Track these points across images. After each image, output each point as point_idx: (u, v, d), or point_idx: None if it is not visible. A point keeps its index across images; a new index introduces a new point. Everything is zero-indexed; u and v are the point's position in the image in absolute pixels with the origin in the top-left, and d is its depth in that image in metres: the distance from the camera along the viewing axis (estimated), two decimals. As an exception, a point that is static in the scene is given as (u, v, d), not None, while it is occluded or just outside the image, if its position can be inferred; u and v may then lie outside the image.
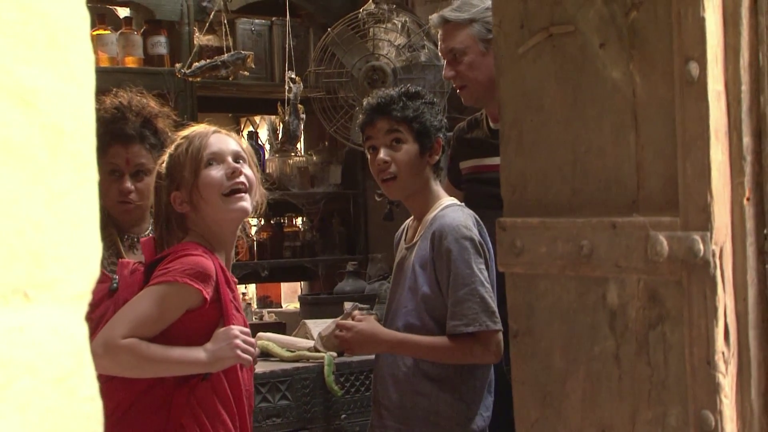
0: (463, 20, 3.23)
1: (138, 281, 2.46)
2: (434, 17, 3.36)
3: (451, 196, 3.13)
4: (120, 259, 2.64)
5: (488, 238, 2.82)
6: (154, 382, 2.37)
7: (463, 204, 2.94)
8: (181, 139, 2.50)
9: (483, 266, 2.76)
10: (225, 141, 2.50)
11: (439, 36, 3.41)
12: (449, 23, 3.27)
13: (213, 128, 2.54)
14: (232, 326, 2.37)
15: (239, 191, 2.44)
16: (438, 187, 2.94)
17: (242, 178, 2.45)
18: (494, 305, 2.74)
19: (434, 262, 2.78)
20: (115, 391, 2.33)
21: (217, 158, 2.46)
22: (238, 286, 2.60)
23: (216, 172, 2.44)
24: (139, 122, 2.79)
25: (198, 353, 2.33)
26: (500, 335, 2.74)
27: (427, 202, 2.90)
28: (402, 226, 3.05)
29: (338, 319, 2.98)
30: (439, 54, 3.49)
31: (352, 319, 2.89)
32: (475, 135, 3.36)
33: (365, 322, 2.85)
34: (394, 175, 2.86)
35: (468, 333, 2.71)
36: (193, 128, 2.55)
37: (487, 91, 3.15)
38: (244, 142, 2.61)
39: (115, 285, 2.53)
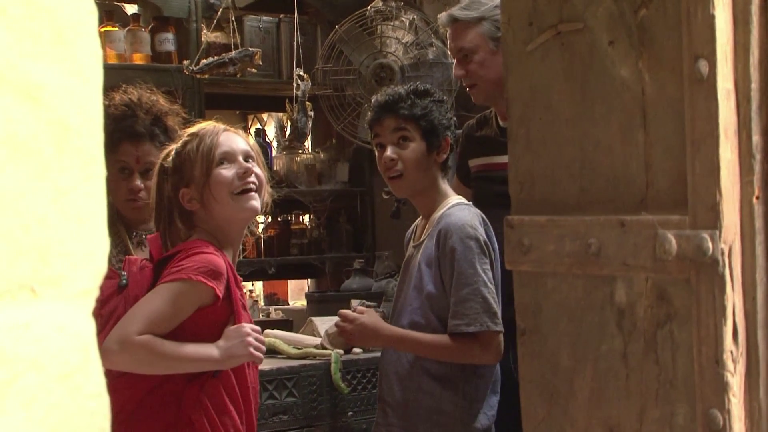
0: (472, 19, 3.22)
1: (147, 277, 2.46)
2: (443, 16, 3.35)
3: (460, 193, 3.13)
4: (127, 256, 2.64)
5: (494, 238, 2.81)
6: (163, 378, 2.37)
7: (470, 203, 2.94)
8: (189, 136, 2.50)
9: (487, 266, 2.75)
10: (235, 140, 2.50)
11: (448, 35, 3.39)
12: (458, 22, 3.25)
13: (222, 126, 2.53)
14: (244, 324, 2.38)
15: (250, 191, 2.44)
16: (445, 186, 2.93)
17: (253, 178, 2.45)
18: (496, 306, 2.73)
19: (439, 261, 2.78)
20: (125, 388, 2.33)
21: (229, 157, 2.46)
22: (244, 284, 2.60)
23: (227, 172, 2.44)
24: (149, 120, 2.78)
25: (211, 350, 2.33)
26: (501, 336, 2.74)
27: (434, 200, 2.90)
28: (412, 225, 3.05)
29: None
30: (449, 53, 3.47)
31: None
32: (484, 133, 3.35)
33: (368, 315, 2.86)
34: (401, 172, 2.87)
35: (468, 333, 2.71)
36: (201, 125, 2.54)
37: (497, 89, 3.14)
38: (252, 140, 2.61)
39: (124, 281, 2.53)
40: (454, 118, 2.98)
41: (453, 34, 3.29)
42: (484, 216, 2.86)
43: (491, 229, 2.83)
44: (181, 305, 2.32)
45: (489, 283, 2.73)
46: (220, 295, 2.33)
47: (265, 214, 2.69)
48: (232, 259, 2.48)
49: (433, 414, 2.79)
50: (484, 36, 3.19)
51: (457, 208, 2.85)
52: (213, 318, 2.37)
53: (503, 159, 3.13)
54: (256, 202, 2.46)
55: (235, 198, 2.43)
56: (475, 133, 3.39)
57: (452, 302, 2.73)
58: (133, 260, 2.56)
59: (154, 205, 2.50)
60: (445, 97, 3.05)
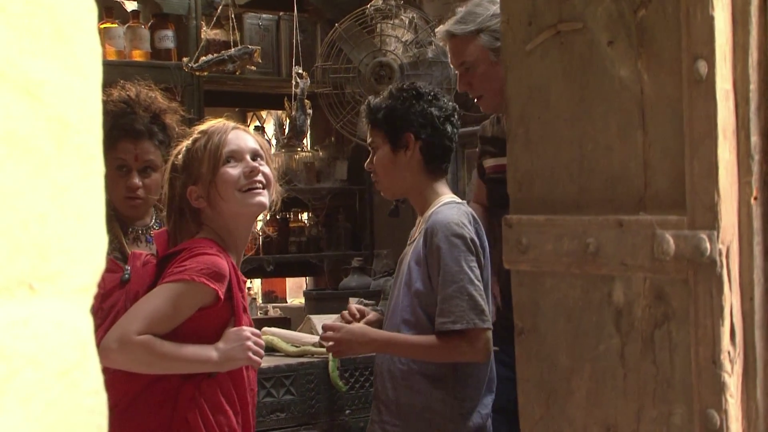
0: (470, 32, 3.18)
1: (150, 273, 2.45)
2: (440, 31, 3.31)
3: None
4: (132, 251, 2.63)
5: (485, 236, 2.81)
6: (159, 375, 2.37)
7: (463, 201, 2.92)
8: (199, 133, 2.49)
9: (474, 264, 2.74)
10: (244, 138, 2.49)
11: (447, 49, 3.37)
12: (456, 37, 3.21)
13: (232, 124, 2.53)
14: (244, 327, 2.37)
15: (256, 189, 2.44)
16: (438, 184, 2.90)
17: (260, 177, 2.44)
18: (484, 303, 2.72)
19: (427, 259, 2.77)
20: (120, 383, 2.33)
21: (236, 156, 2.45)
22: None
23: (234, 170, 2.43)
24: (148, 118, 2.77)
25: (210, 352, 2.33)
26: (489, 333, 2.73)
27: (425, 199, 2.89)
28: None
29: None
30: (450, 65, 3.44)
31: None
32: (495, 133, 3.34)
33: (354, 323, 2.88)
34: (377, 178, 2.91)
35: (455, 331, 2.70)
36: (212, 123, 2.53)
37: (503, 98, 3.12)
38: (261, 138, 2.60)
39: (126, 276, 2.52)
40: (433, 112, 2.88)
41: (453, 50, 3.26)
42: (474, 214, 2.85)
43: (482, 228, 2.82)
44: (182, 306, 2.31)
45: (476, 281, 2.72)
46: (222, 297, 2.33)
47: (273, 212, 2.68)
48: (237, 261, 2.48)
49: (425, 412, 2.79)
50: (484, 48, 3.16)
51: (447, 206, 2.83)
52: (213, 319, 2.36)
53: None
54: (263, 198, 2.45)
55: (241, 195, 2.43)
56: (488, 134, 3.38)
57: (438, 300, 2.73)
58: (137, 255, 2.56)
59: (166, 201, 2.50)
60: (435, 92, 2.97)
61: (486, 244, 2.80)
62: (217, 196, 2.42)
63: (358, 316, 2.94)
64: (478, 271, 2.74)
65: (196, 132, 2.50)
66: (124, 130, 2.72)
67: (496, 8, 3.18)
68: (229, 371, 2.39)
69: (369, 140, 2.96)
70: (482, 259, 2.78)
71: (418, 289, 2.78)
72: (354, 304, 3.16)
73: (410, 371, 2.81)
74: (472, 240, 2.75)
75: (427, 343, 2.75)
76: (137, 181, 2.73)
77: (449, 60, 3.39)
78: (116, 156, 2.71)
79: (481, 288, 2.73)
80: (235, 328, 2.36)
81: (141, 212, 2.80)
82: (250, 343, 2.35)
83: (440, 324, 2.71)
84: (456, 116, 2.93)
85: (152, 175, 2.74)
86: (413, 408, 2.80)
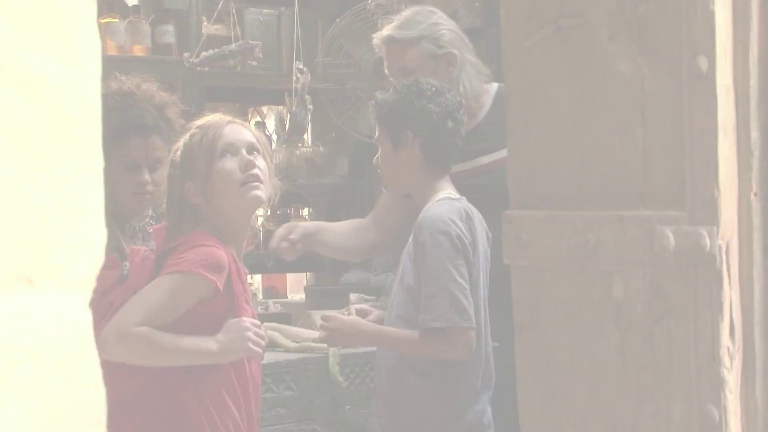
0: (411, 38, 3.14)
1: (149, 269, 2.45)
2: (379, 37, 3.27)
3: None
4: (131, 247, 2.63)
5: (479, 235, 2.78)
6: (161, 370, 2.36)
7: (461, 197, 2.88)
8: (196, 128, 2.48)
9: (460, 262, 2.71)
10: (240, 132, 2.49)
11: (384, 55, 3.31)
12: (397, 42, 3.17)
13: (228, 118, 2.52)
14: (244, 318, 2.37)
15: (253, 183, 2.43)
16: (441, 181, 2.88)
17: (256, 171, 2.44)
18: (467, 302, 2.68)
19: (416, 255, 2.77)
20: (122, 379, 2.33)
21: (232, 150, 2.44)
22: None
23: (230, 164, 2.42)
24: (155, 112, 2.74)
25: (209, 344, 2.33)
26: (471, 333, 2.71)
27: (424, 196, 2.87)
28: None
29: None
30: (386, 72, 3.37)
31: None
32: None
33: (349, 315, 2.89)
34: (382, 174, 2.92)
35: (436, 328, 2.70)
36: (208, 118, 2.52)
37: None
38: (259, 133, 2.60)
39: (125, 272, 2.51)
40: (432, 109, 2.82)
41: (392, 54, 3.21)
42: (470, 210, 2.81)
43: (477, 225, 2.79)
44: (181, 298, 2.31)
45: (459, 279, 2.69)
46: (221, 288, 2.33)
47: (270, 207, 2.67)
48: (238, 253, 2.48)
49: (416, 408, 2.79)
50: (424, 55, 3.14)
51: (439, 203, 2.81)
52: (213, 311, 2.36)
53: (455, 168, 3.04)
54: (259, 192, 2.44)
55: (237, 189, 2.42)
56: None
57: (422, 297, 2.72)
58: (136, 250, 2.55)
59: (166, 197, 2.50)
60: (438, 88, 2.89)
61: (479, 241, 2.78)
62: (213, 191, 2.41)
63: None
64: (463, 269, 2.71)
65: (194, 127, 2.50)
66: (134, 126, 2.68)
67: (436, 17, 3.19)
68: (232, 363, 2.39)
69: (376, 136, 2.95)
70: (471, 256, 2.76)
71: (410, 285, 2.78)
72: (355, 301, 3.16)
73: (400, 365, 2.81)
74: (458, 237, 2.72)
75: (411, 339, 2.75)
76: (147, 177, 2.71)
77: (385, 66, 3.33)
78: (126, 153, 2.67)
79: (466, 287, 2.70)
80: (235, 319, 2.36)
81: (147, 206, 2.79)
82: (250, 333, 2.34)
83: (421, 321, 2.71)
84: (461, 112, 2.89)
85: (160, 170, 2.72)
86: (404, 402, 2.80)
